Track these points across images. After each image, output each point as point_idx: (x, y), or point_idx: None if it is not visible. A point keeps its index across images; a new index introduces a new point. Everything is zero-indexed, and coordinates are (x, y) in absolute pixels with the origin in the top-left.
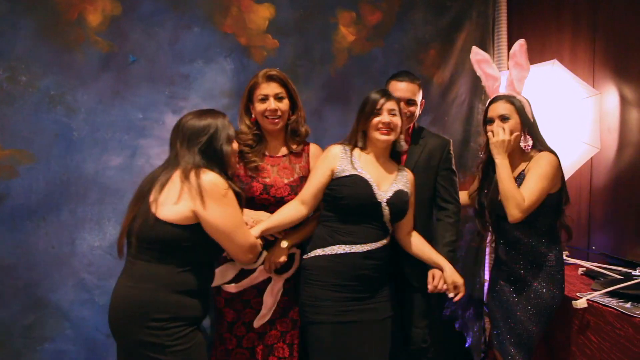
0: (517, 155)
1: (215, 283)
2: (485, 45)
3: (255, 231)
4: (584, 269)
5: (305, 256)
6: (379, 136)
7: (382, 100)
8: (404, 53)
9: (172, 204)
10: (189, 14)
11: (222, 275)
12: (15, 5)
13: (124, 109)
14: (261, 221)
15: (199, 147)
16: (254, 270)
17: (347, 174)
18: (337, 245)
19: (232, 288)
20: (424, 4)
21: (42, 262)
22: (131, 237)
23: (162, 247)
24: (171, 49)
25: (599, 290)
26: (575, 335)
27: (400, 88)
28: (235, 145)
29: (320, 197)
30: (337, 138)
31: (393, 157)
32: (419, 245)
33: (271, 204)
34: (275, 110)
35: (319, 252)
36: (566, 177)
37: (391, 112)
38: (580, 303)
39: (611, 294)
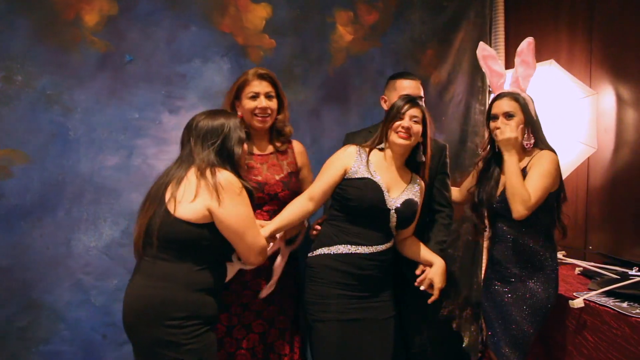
0: (518, 153)
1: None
2: None
3: (266, 231)
4: (581, 268)
5: (310, 254)
6: (396, 139)
7: (406, 107)
8: (401, 53)
9: (189, 202)
10: (186, 13)
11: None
12: (11, 5)
13: (120, 108)
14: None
15: (213, 147)
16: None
17: (359, 175)
18: (342, 245)
19: (265, 290)
20: (420, 3)
21: (38, 263)
22: (151, 237)
23: (181, 246)
24: (168, 48)
25: (595, 290)
26: (572, 335)
27: (410, 86)
28: (245, 147)
29: (329, 195)
30: (335, 138)
31: (410, 166)
32: (413, 247)
33: (266, 202)
34: (266, 109)
35: (324, 250)
36: (563, 176)
37: (413, 119)
38: (577, 303)
39: (608, 294)
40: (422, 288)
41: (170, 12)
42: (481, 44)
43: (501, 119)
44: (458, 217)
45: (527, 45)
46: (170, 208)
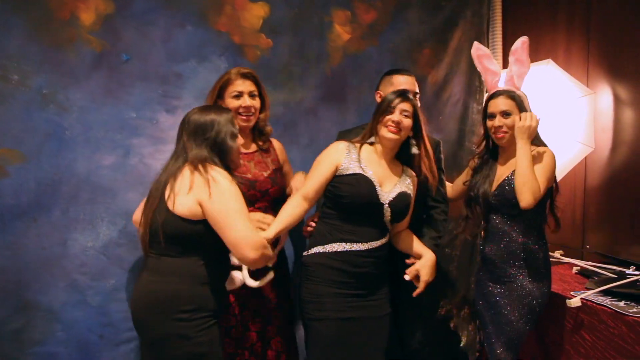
0: (515, 149)
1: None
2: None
3: (270, 233)
4: (578, 267)
5: (305, 253)
6: (386, 133)
7: (397, 100)
8: (398, 52)
9: (183, 197)
10: (182, 12)
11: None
12: (6, 4)
13: (117, 108)
14: (266, 223)
15: (206, 142)
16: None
17: (351, 172)
18: (337, 243)
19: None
20: (418, 3)
21: (33, 263)
22: (155, 234)
23: (183, 242)
24: (164, 47)
25: (592, 289)
26: (569, 334)
27: (406, 81)
28: (239, 141)
29: (322, 192)
30: (333, 137)
31: (401, 159)
32: (407, 240)
33: (258, 199)
34: (250, 107)
35: (319, 249)
36: (561, 176)
37: (403, 113)
38: (574, 302)
39: (605, 293)
40: (407, 278)
41: (166, 11)
42: (476, 43)
43: (498, 118)
44: (456, 215)
45: (521, 44)
46: (170, 205)
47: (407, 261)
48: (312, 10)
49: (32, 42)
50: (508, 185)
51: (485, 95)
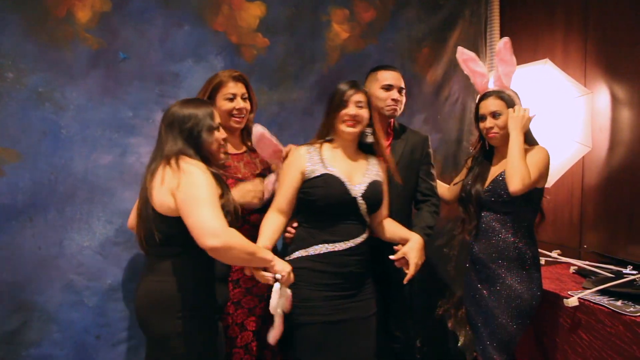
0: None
1: None
2: (478, 44)
3: (266, 251)
4: (576, 267)
5: (287, 258)
6: (345, 128)
7: (350, 92)
8: (397, 51)
9: (161, 194)
10: (179, 12)
11: None
12: (1, 1)
13: (114, 107)
14: (259, 190)
15: (181, 135)
16: None
17: (317, 174)
18: (320, 245)
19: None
20: (417, 2)
21: (28, 264)
22: (148, 235)
23: (178, 241)
24: (161, 46)
25: (590, 289)
26: (566, 334)
27: (391, 77)
28: (218, 134)
29: (295, 202)
30: None
31: (363, 148)
32: (390, 228)
33: None
34: (242, 109)
35: (301, 253)
36: (558, 175)
37: (358, 105)
38: (572, 301)
39: (602, 292)
40: (392, 257)
41: (163, 10)
42: (459, 48)
43: (489, 119)
44: (453, 216)
45: (503, 44)
46: (154, 204)
47: (396, 247)
48: (309, 9)
49: (28, 40)
50: (501, 180)
51: (477, 97)
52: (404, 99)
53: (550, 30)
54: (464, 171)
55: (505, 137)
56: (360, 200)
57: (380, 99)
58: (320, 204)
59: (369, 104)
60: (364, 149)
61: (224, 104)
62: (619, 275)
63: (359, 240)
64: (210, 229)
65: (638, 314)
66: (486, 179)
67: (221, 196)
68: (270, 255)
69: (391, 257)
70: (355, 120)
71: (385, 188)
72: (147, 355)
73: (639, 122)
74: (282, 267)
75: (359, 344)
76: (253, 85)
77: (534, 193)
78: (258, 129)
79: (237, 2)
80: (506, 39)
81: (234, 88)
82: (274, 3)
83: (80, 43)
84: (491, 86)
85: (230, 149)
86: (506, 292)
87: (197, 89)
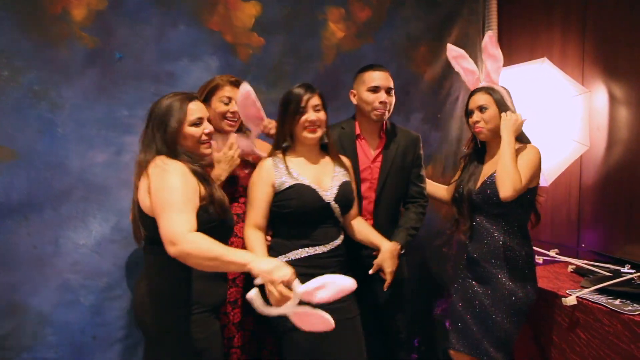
0: (499, 145)
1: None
2: (476, 42)
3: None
4: (574, 266)
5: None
6: (307, 134)
7: (306, 97)
8: (394, 50)
9: (142, 192)
10: (174, 11)
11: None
12: None
13: (109, 105)
14: (232, 150)
15: (159, 127)
16: None
17: (287, 185)
18: (300, 249)
19: None
20: (414, 0)
21: (23, 263)
22: (142, 234)
23: (160, 239)
24: (157, 46)
25: (588, 288)
26: (565, 333)
27: (379, 77)
28: (194, 129)
29: (268, 215)
30: None
31: (323, 148)
32: (363, 231)
33: (241, 194)
34: (236, 113)
35: (281, 258)
36: (556, 174)
37: (316, 109)
38: (570, 300)
39: (600, 291)
40: (370, 272)
41: (158, 9)
42: (449, 45)
43: (476, 113)
44: (452, 216)
45: (489, 39)
46: (139, 202)
47: (371, 272)
48: (305, 9)
49: (23, 38)
50: (490, 182)
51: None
52: (393, 100)
53: (548, 28)
54: (459, 172)
55: (494, 133)
56: (334, 205)
57: (367, 103)
58: (295, 214)
59: (325, 106)
60: (323, 149)
61: (219, 106)
62: (617, 274)
63: (337, 242)
64: (169, 236)
65: (636, 313)
66: (478, 180)
67: (204, 196)
68: (243, 258)
69: (370, 272)
70: (316, 125)
71: (354, 186)
72: (145, 354)
73: (636, 120)
74: (260, 269)
75: (349, 345)
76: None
77: (527, 193)
78: (245, 87)
79: (233, 1)
80: (490, 33)
81: (230, 92)
82: (270, 2)
83: (75, 41)
84: (482, 83)
85: (202, 137)
86: (501, 290)
87: (193, 88)
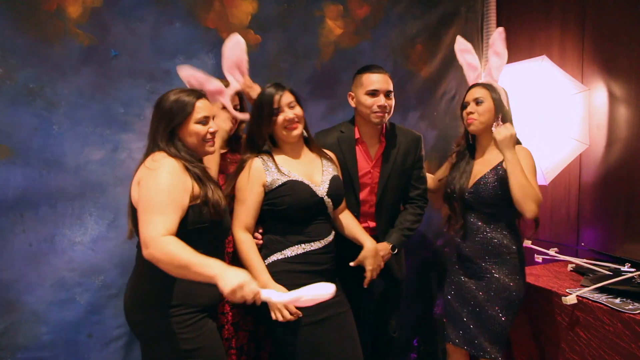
0: (490, 144)
1: None
2: (474, 40)
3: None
4: (573, 265)
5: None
6: (288, 133)
7: (277, 96)
8: (391, 47)
9: (134, 187)
10: (170, 9)
11: None
12: None
13: (105, 103)
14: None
15: (162, 123)
16: None
17: (280, 182)
18: (296, 246)
19: None
20: None
21: (18, 260)
22: (135, 230)
23: None
24: (152, 43)
25: (588, 287)
26: (564, 332)
27: (378, 80)
28: (200, 128)
29: (258, 215)
30: None
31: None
32: (349, 226)
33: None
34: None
35: (277, 256)
36: (555, 173)
37: (290, 106)
38: (570, 299)
39: (601, 290)
40: (351, 264)
41: (154, 7)
42: (458, 37)
43: (471, 105)
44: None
45: (498, 35)
46: (131, 197)
47: (352, 264)
48: (302, 5)
49: (18, 35)
50: (484, 184)
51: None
52: (392, 103)
53: (547, 26)
54: (446, 165)
55: (485, 126)
56: (327, 199)
57: (366, 106)
58: (290, 211)
59: (299, 100)
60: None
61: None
62: (617, 273)
63: (330, 238)
64: (143, 237)
65: (637, 312)
66: (469, 178)
67: (197, 195)
68: (211, 271)
69: (351, 264)
70: (294, 122)
71: (341, 179)
72: (142, 355)
73: (636, 119)
74: (226, 288)
75: (345, 339)
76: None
77: None
78: (237, 36)
79: None
80: (501, 29)
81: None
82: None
83: (70, 39)
84: (483, 79)
85: (207, 135)
86: (495, 285)
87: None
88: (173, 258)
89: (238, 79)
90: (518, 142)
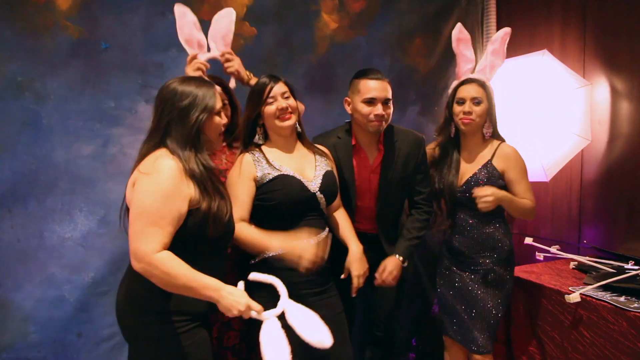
0: (479, 142)
1: None
2: (475, 35)
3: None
4: (576, 263)
5: (252, 261)
6: (281, 123)
7: (270, 85)
8: (388, 42)
9: (130, 186)
10: (163, 0)
11: None
12: None
13: (95, 97)
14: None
15: (172, 115)
16: None
17: (271, 177)
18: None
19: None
20: None
21: (6, 257)
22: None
23: None
24: (144, 36)
25: (591, 285)
26: (567, 331)
27: (376, 87)
28: (218, 120)
29: (251, 210)
30: (318, 128)
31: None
32: (341, 226)
33: None
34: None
35: (267, 254)
36: (556, 169)
37: (284, 96)
38: (574, 297)
39: (605, 288)
40: (342, 276)
41: None
42: (459, 25)
43: (469, 104)
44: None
45: (502, 34)
46: (126, 195)
47: (343, 277)
48: None
49: (6, 28)
50: (475, 182)
51: (455, 82)
52: (390, 110)
53: (548, 20)
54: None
55: (478, 127)
56: (319, 195)
57: (363, 115)
58: (281, 206)
59: (293, 91)
60: (299, 138)
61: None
62: (621, 270)
63: (323, 235)
64: (134, 250)
65: None
66: (458, 176)
67: (196, 200)
68: (209, 293)
69: (342, 276)
70: (287, 112)
71: (336, 174)
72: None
73: (639, 114)
74: (224, 307)
75: (336, 342)
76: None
77: (506, 188)
78: (181, 7)
79: None
80: (507, 29)
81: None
82: None
83: (60, 31)
84: (476, 75)
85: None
86: (490, 277)
87: None
88: (169, 280)
89: (220, 48)
90: (503, 140)
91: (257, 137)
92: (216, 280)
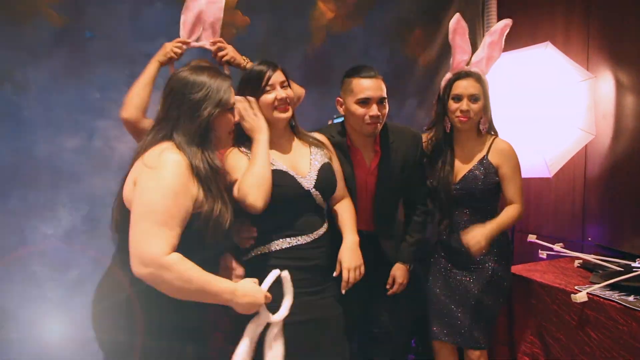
0: (473, 137)
1: None
2: (475, 27)
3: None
4: (581, 261)
5: (245, 257)
6: (278, 115)
7: (269, 73)
8: (386, 32)
9: (129, 181)
10: None
11: None
12: None
13: (80, 88)
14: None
15: (183, 107)
16: None
17: None
18: (281, 240)
19: None
20: None
21: None
22: (112, 225)
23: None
24: (132, 25)
25: (598, 283)
26: (573, 332)
27: (370, 87)
28: (230, 116)
29: None
30: (313, 120)
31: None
32: (339, 218)
33: None
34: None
35: (261, 250)
36: (560, 165)
37: (283, 85)
38: (580, 297)
39: (612, 287)
40: (335, 273)
41: None
42: (457, 15)
43: (466, 101)
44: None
45: (502, 25)
46: (123, 190)
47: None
48: None
49: None
50: (472, 179)
51: (448, 74)
52: (386, 110)
53: (551, 11)
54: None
55: (474, 124)
56: (314, 192)
57: (356, 116)
58: (273, 204)
59: (288, 81)
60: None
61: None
62: (628, 269)
63: (321, 231)
64: (140, 254)
65: None
66: (453, 173)
67: (200, 202)
68: (224, 296)
69: (334, 274)
70: (286, 103)
71: (337, 167)
72: None
73: None
74: (239, 308)
75: (331, 345)
76: (231, 67)
77: (499, 183)
78: None
79: None
80: (508, 21)
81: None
82: None
83: (42, 20)
84: (472, 68)
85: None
86: (491, 275)
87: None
88: (181, 285)
89: (207, 36)
90: (496, 134)
91: None
92: (229, 282)
